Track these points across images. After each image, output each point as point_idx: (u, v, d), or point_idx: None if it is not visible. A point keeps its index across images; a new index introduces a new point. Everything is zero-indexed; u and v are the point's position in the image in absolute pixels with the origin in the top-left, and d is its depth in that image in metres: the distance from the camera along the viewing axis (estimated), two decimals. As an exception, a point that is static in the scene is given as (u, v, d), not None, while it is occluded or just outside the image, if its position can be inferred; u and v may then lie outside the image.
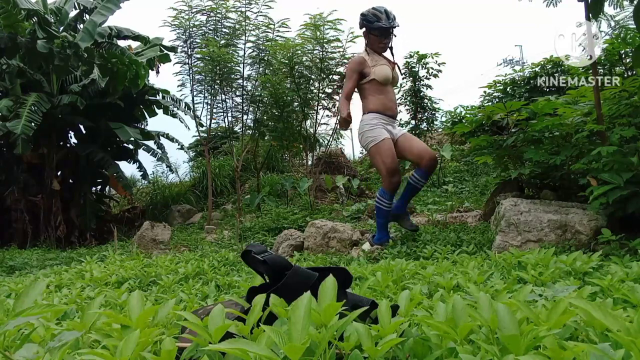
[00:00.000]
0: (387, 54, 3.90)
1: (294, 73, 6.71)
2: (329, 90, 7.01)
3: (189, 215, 8.94)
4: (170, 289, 2.28)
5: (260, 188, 8.32)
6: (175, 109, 9.82)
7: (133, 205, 10.06)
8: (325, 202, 7.17)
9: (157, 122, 27.75)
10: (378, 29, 3.74)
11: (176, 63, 7.73)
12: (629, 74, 3.72)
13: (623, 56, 3.84)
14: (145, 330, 0.89)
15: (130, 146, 9.60)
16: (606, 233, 2.50)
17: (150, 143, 9.89)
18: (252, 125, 7.79)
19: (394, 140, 3.68)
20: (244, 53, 7.42)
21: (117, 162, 9.05)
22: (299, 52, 6.55)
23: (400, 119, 9.37)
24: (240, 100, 7.72)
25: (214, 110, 7.83)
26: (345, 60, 6.63)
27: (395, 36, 3.87)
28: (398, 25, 3.83)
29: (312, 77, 6.80)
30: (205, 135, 8.05)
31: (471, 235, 3.48)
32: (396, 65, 3.92)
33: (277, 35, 7.32)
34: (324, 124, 7.56)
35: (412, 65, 8.79)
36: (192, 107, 7.97)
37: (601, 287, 1.47)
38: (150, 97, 9.52)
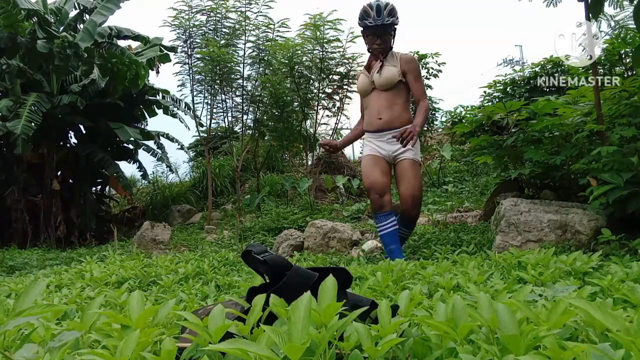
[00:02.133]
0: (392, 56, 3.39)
1: (294, 73, 6.71)
2: (329, 90, 7.02)
3: (189, 215, 8.94)
4: (170, 289, 2.27)
5: (260, 188, 8.32)
6: (175, 109, 9.82)
7: (133, 205, 10.05)
8: (325, 202, 7.17)
9: (157, 122, 27.70)
10: (364, 27, 3.35)
11: (176, 63, 7.74)
12: (629, 74, 3.72)
13: (623, 56, 3.84)
14: (145, 330, 0.89)
15: (130, 146, 9.60)
16: (606, 233, 2.50)
17: (150, 143, 9.89)
18: (252, 125, 7.79)
19: (390, 158, 3.27)
20: (244, 53, 7.42)
21: (117, 162, 9.04)
22: (299, 52, 6.56)
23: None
24: (240, 100, 7.72)
25: (214, 110, 7.84)
26: (345, 60, 6.63)
27: (392, 35, 3.38)
28: (390, 22, 3.29)
29: (312, 77, 6.81)
30: (205, 135, 8.05)
31: (471, 235, 3.48)
32: (399, 62, 3.33)
33: (277, 35, 7.32)
34: (324, 124, 7.54)
35: (412, 65, 8.77)
36: (192, 107, 7.97)
37: (601, 287, 1.47)
38: (150, 97, 9.52)
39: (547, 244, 2.78)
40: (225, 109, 7.82)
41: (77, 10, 8.66)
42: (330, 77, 6.83)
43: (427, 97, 3.42)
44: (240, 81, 7.54)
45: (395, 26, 3.42)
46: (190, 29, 7.35)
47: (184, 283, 2.38)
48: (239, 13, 7.29)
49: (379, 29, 3.31)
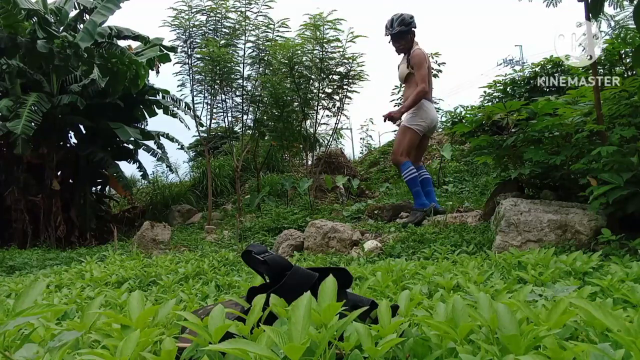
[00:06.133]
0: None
1: (294, 73, 6.71)
2: (329, 90, 7.01)
3: (189, 215, 8.94)
4: (170, 289, 2.28)
5: (260, 188, 8.32)
6: (175, 109, 9.83)
7: (133, 205, 10.06)
8: (325, 202, 7.17)
9: (157, 122, 27.72)
10: (390, 39, 4.57)
11: (176, 63, 7.73)
12: (629, 74, 3.72)
13: (623, 56, 3.83)
14: (145, 330, 0.89)
15: (130, 146, 9.61)
16: (606, 233, 2.50)
17: (150, 143, 9.89)
18: (252, 125, 7.78)
19: None
20: (244, 53, 7.42)
21: (117, 162, 9.04)
22: (299, 52, 6.55)
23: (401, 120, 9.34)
24: (240, 100, 7.72)
25: (214, 110, 7.83)
26: (345, 60, 6.62)
27: (407, 38, 4.49)
28: (398, 31, 4.44)
29: (312, 77, 6.80)
30: (205, 135, 8.05)
31: (471, 235, 3.48)
32: (408, 59, 4.52)
33: (277, 35, 7.32)
34: (324, 124, 7.51)
35: (412, 65, 8.76)
36: (192, 107, 7.97)
37: (601, 287, 1.47)
38: (150, 97, 9.52)
39: (547, 244, 2.78)
40: (225, 109, 7.82)
41: (77, 10, 8.66)
42: (330, 77, 6.81)
43: (425, 83, 4.37)
44: (240, 81, 7.53)
45: (411, 30, 4.49)
46: (190, 29, 7.35)
47: (184, 283, 2.38)
48: (238, 13, 7.29)
49: (393, 36, 4.52)
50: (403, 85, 4.79)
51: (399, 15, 4.49)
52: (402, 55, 4.64)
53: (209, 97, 7.69)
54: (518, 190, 3.92)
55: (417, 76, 4.40)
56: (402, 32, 4.47)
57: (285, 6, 8.20)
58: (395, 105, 8.75)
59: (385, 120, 4.59)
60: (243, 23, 7.28)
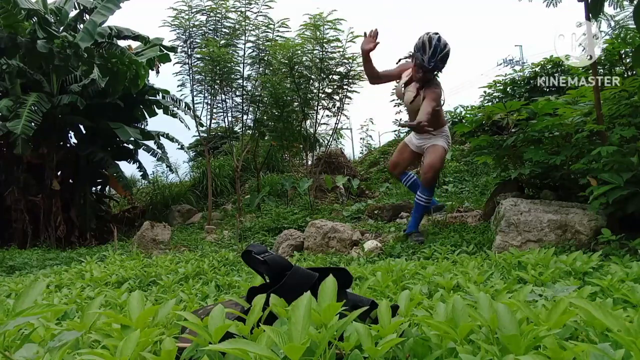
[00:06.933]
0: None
1: (294, 73, 6.71)
2: (329, 90, 7.01)
3: (189, 215, 8.94)
4: (170, 289, 2.28)
5: (260, 188, 8.32)
6: (175, 109, 9.83)
7: (133, 205, 10.05)
8: (325, 202, 7.17)
9: (157, 122, 27.71)
10: (417, 63, 3.65)
11: (176, 63, 7.72)
12: (629, 74, 3.72)
13: (623, 56, 3.83)
14: (145, 330, 0.89)
15: (130, 146, 9.61)
16: (606, 233, 2.50)
17: (150, 143, 9.89)
18: (252, 125, 7.78)
19: (417, 148, 4.09)
20: (244, 53, 7.42)
21: (117, 162, 9.05)
22: (299, 52, 6.55)
23: (400, 119, 9.39)
24: (240, 100, 7.72)
25: (214, 110, 7.83)
26: (345, 60, 6.63)
27: (424, 73, 3.65)
28: (432, 66, 3.57)
29: (312, 77, 6.80)
30: (205, 135, 8.05)
31: (471, 235, 3.48)
32: (418, 89, 3.76)
33: (277, 35, 7.32)
34: (324, 124, 7.52)
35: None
36: (192, 107, 7.97)
37: (601, 287, 1.47)
38: (150, 97, 9.52)
39: (547, 244, 2.78)
40: (225, 109, 7.82)
41: (77, 10, 8.66)
42: (330, 77, 6.81)
43: (429, 116, 3.49)
44: (240, 81, 7.53)
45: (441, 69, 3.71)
46: (190, 29, 7.35)
47: (184, 283, 2.38)
48: (238, 13, 7.29)
49: (426, 67, 3.59)
50: (406, 106, 4.06)
51: (445, 45, 3.61)
52: (408, 78, 3.88)
53: (209, 97, 7.69)
54: (518, 190, 3.92)
55: (426, 104, 3.58)
56: (439, 69, 3.70)
57: (285, 6, 8.20)
58: (395, 107, 8.83)
59: (408, 127, 3.85)
60: (243, 23, 7.28)
